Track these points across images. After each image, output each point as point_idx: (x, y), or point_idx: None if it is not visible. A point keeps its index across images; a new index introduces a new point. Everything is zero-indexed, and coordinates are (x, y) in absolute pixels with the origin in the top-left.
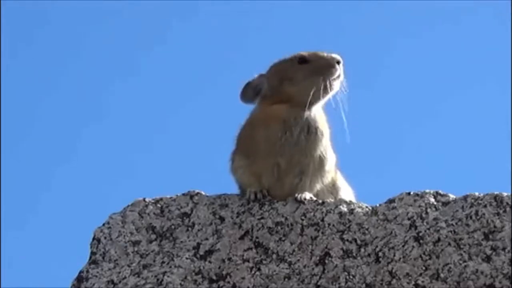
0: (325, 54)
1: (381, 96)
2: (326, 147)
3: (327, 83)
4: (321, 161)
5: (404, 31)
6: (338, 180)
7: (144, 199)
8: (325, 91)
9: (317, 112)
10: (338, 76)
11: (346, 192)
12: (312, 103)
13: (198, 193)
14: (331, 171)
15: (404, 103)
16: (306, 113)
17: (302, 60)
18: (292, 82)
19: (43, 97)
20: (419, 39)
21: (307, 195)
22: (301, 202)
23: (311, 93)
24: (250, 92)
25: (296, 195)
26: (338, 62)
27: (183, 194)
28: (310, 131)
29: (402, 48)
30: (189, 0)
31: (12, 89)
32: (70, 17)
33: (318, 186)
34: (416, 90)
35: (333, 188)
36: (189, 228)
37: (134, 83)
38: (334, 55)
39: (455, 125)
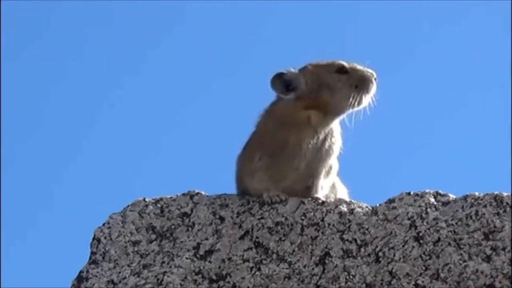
0: (364, 69)
1: (381, 96)
2: (336, 155)
3: (363, 97)
4: (330, 169)
5: (403, 33)
6: (336, 181)
7: (144, 199)
8: (358, 105)
9: (337, 122)
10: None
11: (343, 192)
12: (342, 114)
13: (198, 193)
14: (334, 176)
15: (404, 104)
16: (332, 122)
17: (341, 70)
18: (331, 91)
19: (43, 98)
20: (418, 40)
21: (320, 196)
22: (318, 198)
23: (347, 105)
24: (281, 84)
25: (312, 193)
26: (375, 79)
27: (183, 194)
28: (332, 141)
29: (403, 49)
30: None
31: (11, 89)
32: (71, 17)
33: (324, 191)
34: (416, 90)
35: (332, 187)
36: (189, 228)
37: (135, 84)
38: (372, 71)
39: (455, 125)
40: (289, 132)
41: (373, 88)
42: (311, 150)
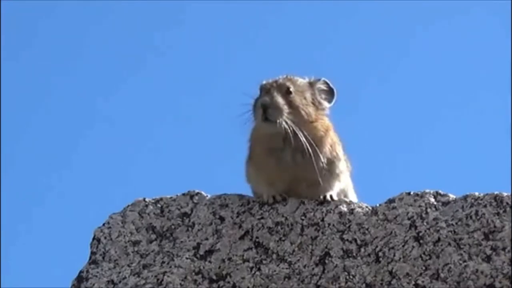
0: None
1: (381, 97)
2: (330, 154)
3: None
4: (327, 169)
5: (403, 33)
6: (348, 185)
7: (144, 199)
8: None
9: (308, 126)
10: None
11: (353, 199)
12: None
13: (198, 193)
14: (344, 171)
15: (404, 104)
16: (293, 139)
17: None
18: None
19: (43, 97)
20: (418, 40)
21: (334, 196)
22: (326, 201)
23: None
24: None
25: (321, 195)
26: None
27: (183, 194)
28: (301, 153)
29: (403, 50)
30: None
31: (11, 89)
32: (71, 17)
33: (337, 186)
34: (416, 91)
35: (342, 191)
36: (189, 228)
37: (134, 84)
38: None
39: (455, 126)
40: (257, 146)
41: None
42: (284, 160)
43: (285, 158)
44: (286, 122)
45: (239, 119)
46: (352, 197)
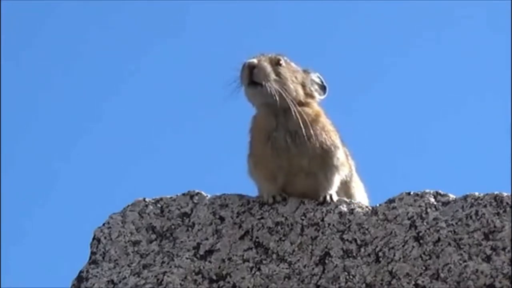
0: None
1: (381, 97)
2: (325, 143)
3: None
4: (324, 158)
5: (403, 34)
6: (353, 176)
7: (144, 199)
8: (248, 97)
9: (302, 113)
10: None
11: (359, 188)
12: (270, 107)
13: (198, 193)
14: (345, 163)
15: (404, 104)
16: (285, 118)
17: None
18: None
19: (43, 98)
20: (418, 42)
21: (334, 196)
22: (325, 202)
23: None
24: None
25: (321, 196)
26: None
27: (183, 194)
28: (294, 135)
29: (404, 51)
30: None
31: (11, 89)
32: (71, 17)
33: (337, 178)
34: (416, 91)
35: (344, 183)
36: (189, 228)
37: (134, 84)
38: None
39: (455, 126)
40: (254, 138)
41: (243, 77)
42: (279, 150)
43: (278, 139)
44: (273, 89)
45: (227, 89)
46: (357, 189)
